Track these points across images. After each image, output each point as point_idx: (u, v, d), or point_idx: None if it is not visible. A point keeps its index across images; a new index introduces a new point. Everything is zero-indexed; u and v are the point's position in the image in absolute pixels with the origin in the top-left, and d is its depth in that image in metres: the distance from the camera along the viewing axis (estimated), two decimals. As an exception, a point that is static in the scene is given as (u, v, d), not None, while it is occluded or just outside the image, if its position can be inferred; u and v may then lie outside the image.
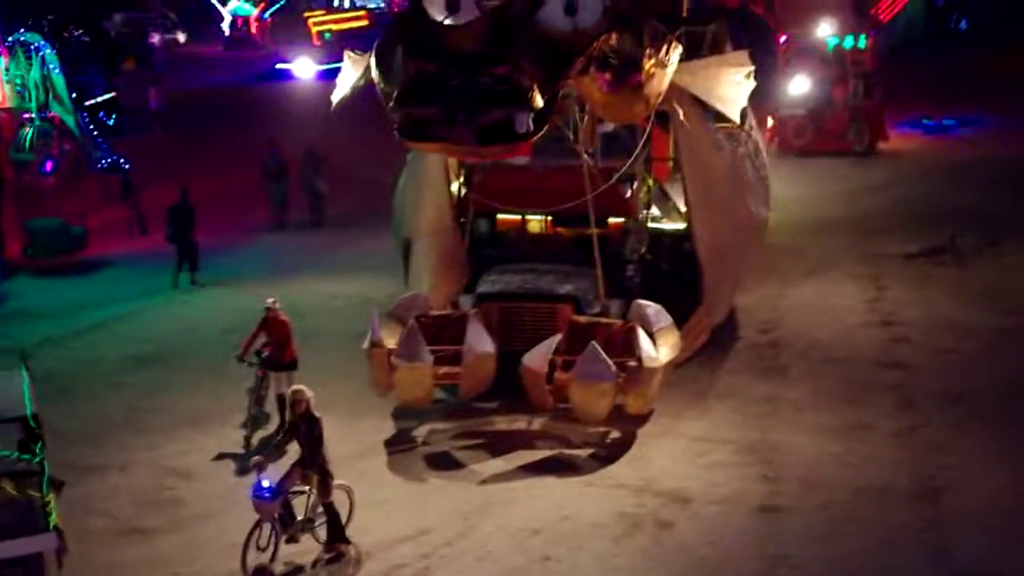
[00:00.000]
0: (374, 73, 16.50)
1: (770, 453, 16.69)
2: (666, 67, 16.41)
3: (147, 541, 14.96)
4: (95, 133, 28.83)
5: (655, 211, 21.01)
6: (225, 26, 66.73)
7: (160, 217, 26.99)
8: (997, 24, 50.55)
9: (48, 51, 26.18)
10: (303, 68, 46.89)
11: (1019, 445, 16.66)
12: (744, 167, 21.12)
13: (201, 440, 17.83)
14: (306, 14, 62.65)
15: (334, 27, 57.31)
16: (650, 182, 20.65)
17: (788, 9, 37.16)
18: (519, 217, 20.09)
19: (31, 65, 26.36)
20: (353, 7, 63.58)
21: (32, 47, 26.55)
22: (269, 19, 66.07)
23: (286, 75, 54.04)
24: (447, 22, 15.83)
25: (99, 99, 38.34)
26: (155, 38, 64.23)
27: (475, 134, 14.50)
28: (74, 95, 28.28)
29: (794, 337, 21.02)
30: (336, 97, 19.08)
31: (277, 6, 67.04)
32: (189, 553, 14.52)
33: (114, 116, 38.80)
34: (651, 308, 17.85)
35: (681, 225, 20.98)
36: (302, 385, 14.73)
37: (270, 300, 17.77)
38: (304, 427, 14.20)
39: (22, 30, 28.42)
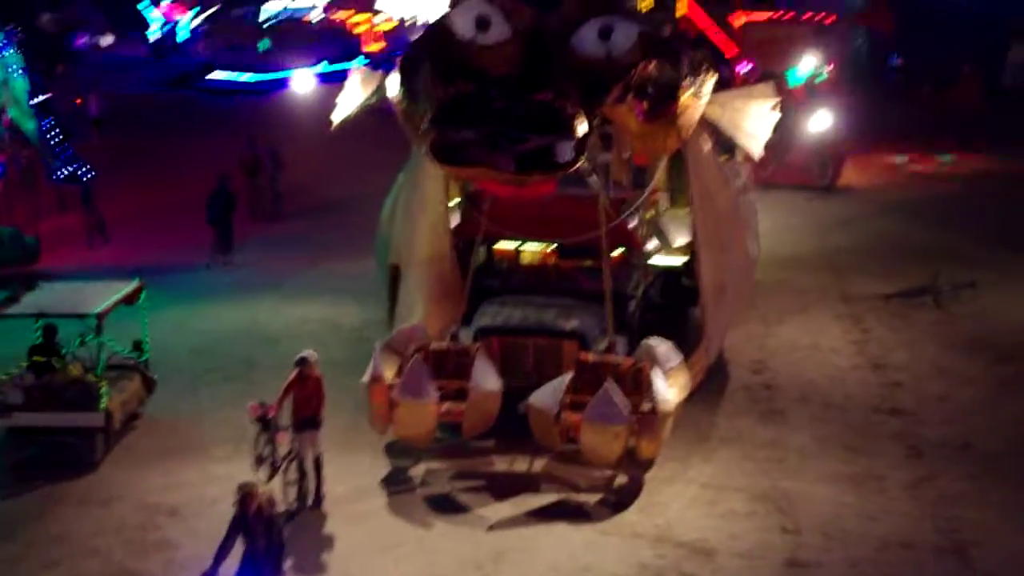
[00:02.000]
0: (395, 92, 15.82)
1: (784, 503, 16.15)
2: (701, 98, 15.88)
3: (144, 587, 14.11)
4: (56, 141, 27.57)
5: (650, 244, 20.47)
6: (153, 31, 65.23)
7: (118, 225, 25.82)
8: (930, 63, 50.58)
9: (9, 52, 24.85)
10: (302, 81, 45.08)
11: (1037, 501, 16.37)
12: (741, 202, 20.67)
13: (183, 473, 16.96)
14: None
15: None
16: (649, 214, 20.10)
17: (750, 40, 36.95)
18: (514, 246, 19.44)
19: (-11, 66, 25.12)
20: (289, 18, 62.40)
21: (-9, 47, 25.39)
22: (200, 25, 64.67)
23: (219, 83, 53.09)
24: (477, 42, 15.23)
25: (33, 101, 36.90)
26: (82, 40, 62.72)
27: (515, 161, 13.83)
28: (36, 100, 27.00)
29: (787, 379, 20.54)
30: (339, 115, 18.31)
31: (210, 12, 65.64)
32: (191, 603, 13.65)
33: (49, 120, 37.38)
34: (663, 347, 17.29)
35: (677, 260, 20.53)
36: (252, 480, 13.45)
37: (307, 352, 16.11)
38: (261, 528, 12.38)
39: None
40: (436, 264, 18.94)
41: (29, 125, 25.62)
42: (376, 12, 62.52)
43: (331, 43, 57.98)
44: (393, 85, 15.92)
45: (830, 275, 26.54)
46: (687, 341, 18.94)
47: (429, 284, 18.92)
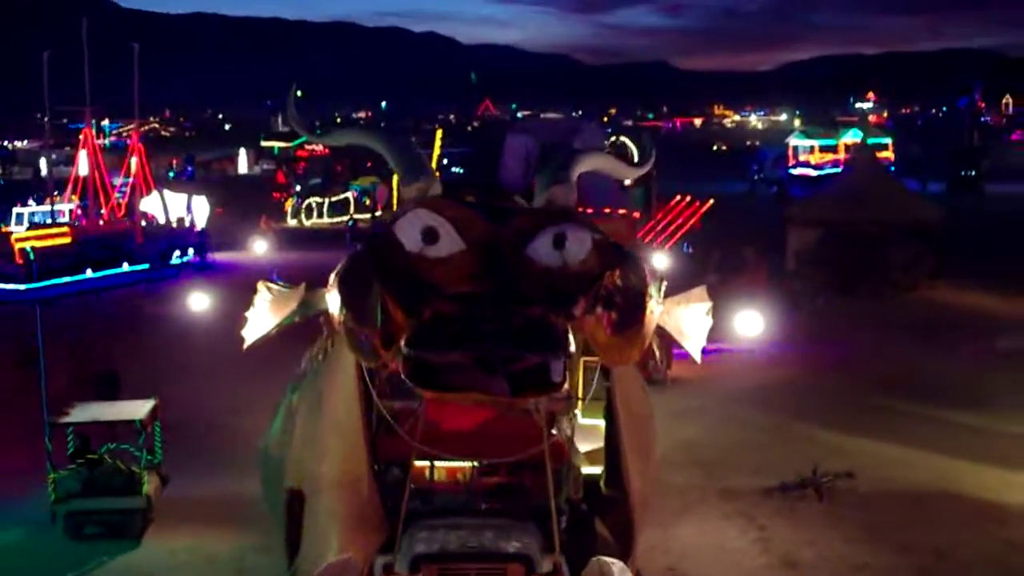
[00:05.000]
0: (337, 311, 14.54)
1: None
2: (661, 305, 15.18)
3: None
4: None
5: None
6: None
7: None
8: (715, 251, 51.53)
9: None
10: (198, 301, 41.81)
11: None
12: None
13: None
14: (5, 229, 58.44)
15: (37, 244, 53.16)
16: (562, 423, 19.24)
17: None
18: (428, 463, 18.18)
19: None
20: (53, 223, 59.68)
21: None
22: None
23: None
24: (427, 255, 14.19)
25: None
26: None
27: (508, 382, 12.75)
28: None
29: (709, 585, 19.81)
30: (252, 334, 16.89)
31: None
32: None
33: None
34: (616, 566, 16.22)
35: (594, 469, 19.70)
36: None
37: None
38: None
39: None
40: (351, 488, 17.36)
41: None
42: (143, 214, 60.79)
43: (97, 248, 55.50)
44: (334, 303, 14.68)
45: (699, 471, 26.04)
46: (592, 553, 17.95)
47: (345, 510, 17.32)
